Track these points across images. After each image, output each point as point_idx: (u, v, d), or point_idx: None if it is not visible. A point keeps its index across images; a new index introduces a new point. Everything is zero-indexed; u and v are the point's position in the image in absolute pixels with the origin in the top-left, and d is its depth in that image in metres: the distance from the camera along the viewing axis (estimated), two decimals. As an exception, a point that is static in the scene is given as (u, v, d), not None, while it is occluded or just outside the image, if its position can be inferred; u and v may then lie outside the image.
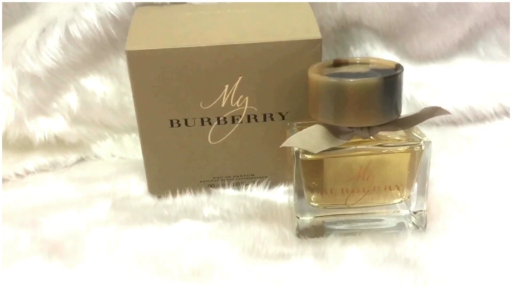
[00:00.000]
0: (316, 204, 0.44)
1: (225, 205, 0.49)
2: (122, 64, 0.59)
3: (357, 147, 0.42)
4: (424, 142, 0.42)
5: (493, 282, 0.38)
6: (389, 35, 0.63)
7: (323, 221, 0.45)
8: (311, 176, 0.43)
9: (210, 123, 0.49)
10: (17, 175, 0.58)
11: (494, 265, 0.40)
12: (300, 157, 0.42)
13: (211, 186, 0.52)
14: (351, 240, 0.43)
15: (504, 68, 0.65)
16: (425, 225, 0.45)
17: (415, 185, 0.44)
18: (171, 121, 0.49)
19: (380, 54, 0.63)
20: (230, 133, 0.50)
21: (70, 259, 0.42)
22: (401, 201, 0.45)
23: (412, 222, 0.45)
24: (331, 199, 0.44)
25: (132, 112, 0.50)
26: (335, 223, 0.45)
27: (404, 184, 0.44)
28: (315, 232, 0.45)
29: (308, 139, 0.41)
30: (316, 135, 0.41)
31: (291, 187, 0.45)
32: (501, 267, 0.39)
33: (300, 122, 0.46)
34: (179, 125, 0.49)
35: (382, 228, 0.45)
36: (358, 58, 0.45)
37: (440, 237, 0.43)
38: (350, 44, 0.63)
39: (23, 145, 0.60)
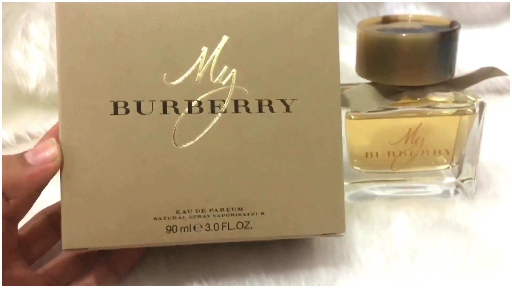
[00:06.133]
0: (359, 168, 0.42)
1: None
2: None
3: (408, 108, 0.40)
4: (478, 104, 0.40)
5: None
6: (435, -3, 0.61)
7: (366, 186, 0.43)
8: (357, 138, 0.41)
9: (176, 111, 0.31)
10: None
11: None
12: (345, 117, 0.40)
13: (170, 229, 0.31)
14: (397, 205, 0.41)
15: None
16: (474, 193, 0.43)
17: (465, 151, 0.42)
18: (115, 104, 0.31)
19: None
20: (207, 130, 0.31)
21: None
22: (449, 168, 0.43)
23: (459, 190, 0.43)
24: (376, 163, 0.42)
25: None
26: (379, 188, 0.43)
27: (453, 149, 0.42)
28: (359, 197, 0.43)
29: (355, 98, 0.39)
30: (364, 94, 0.39)
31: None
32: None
33: (344, 83, 0.44)
34: (127, 111, 0.31)
35: (427, 195, 0.43)
36: (409, 15, 0.43)
37: (490, 206, 0.41)
38: (394, 6, 0.60)
39: (54, 103, 0.59)
